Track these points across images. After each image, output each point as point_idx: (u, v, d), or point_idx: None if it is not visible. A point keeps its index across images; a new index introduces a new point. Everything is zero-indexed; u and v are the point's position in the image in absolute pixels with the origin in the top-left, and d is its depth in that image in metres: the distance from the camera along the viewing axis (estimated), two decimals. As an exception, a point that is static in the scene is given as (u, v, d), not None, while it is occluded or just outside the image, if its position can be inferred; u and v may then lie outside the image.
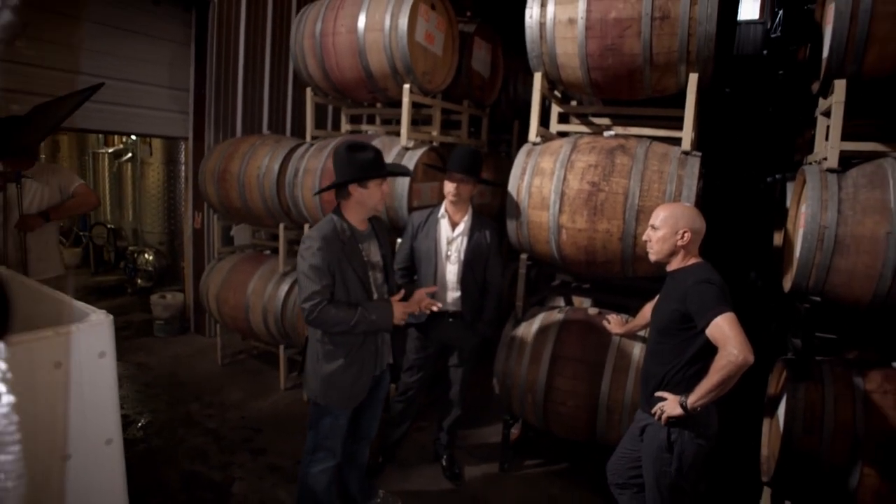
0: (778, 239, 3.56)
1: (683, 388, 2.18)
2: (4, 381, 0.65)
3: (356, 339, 2.53)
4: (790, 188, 3.25)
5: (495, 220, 4.73)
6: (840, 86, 2.70)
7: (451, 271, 3.21)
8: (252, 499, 3.18)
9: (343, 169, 2.51)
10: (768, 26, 7.66)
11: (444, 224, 3.23)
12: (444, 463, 3.50)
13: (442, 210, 3.25)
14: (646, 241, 2.40)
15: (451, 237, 3.21)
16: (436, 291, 2.65)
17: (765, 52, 7.56)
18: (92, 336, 2.42)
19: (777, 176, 4.52)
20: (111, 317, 2.51)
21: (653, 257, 2.37)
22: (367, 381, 2.64)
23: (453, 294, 3.22)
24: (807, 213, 2.67)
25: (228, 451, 3.67)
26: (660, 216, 2.33)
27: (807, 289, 2.73)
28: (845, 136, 2.71)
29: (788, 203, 3.23)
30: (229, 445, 3.74)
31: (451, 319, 3.25)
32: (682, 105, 3.07)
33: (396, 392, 3.49)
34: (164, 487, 3.24)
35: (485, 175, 4.04)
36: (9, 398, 0.64)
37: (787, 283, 2.95)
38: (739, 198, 6.36)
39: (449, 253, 3.21)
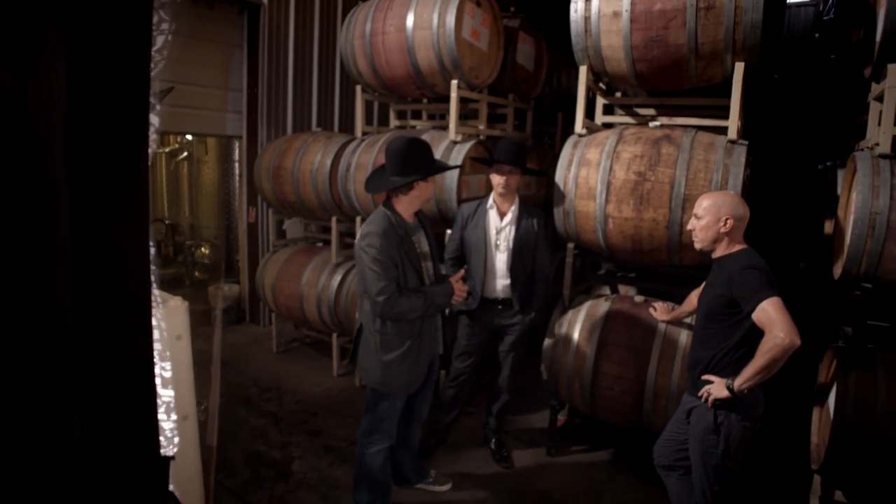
0: (829, 227, 3.53)
1: (730, 371, 2.23)
2: (161, 342, 0.79)
3: (414, 329, 2.64)
4: (841, 175, 3.22)
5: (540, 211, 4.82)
6: (893, 70, 2.67)
7: (501, 260, 3.32)
8: (311, 476, 3.37)
9: (407, 164, 2.55)
10: (820, 8, 7.42)
11: (493, 214, 3.33)
12: (492, 446, 3.62)
13: (490, 201, 3.35)
14: (690, 230, 2.45)
15: (500, 227, 3.31)
16: (465, 277, 2.74)
17: (816, 35, 7.33)
18: (170, 320, 2.63)
19: (828, 163, 4.44)
20: (186, 303, 2.72)
21: (698, 245, 2.42)
22: (424, 369, 2.76)
23: (503, 282, 3.33)
24: (857, 200, 2.66)
25: (287, 432, 3.88)
26: (703, 205, 2.38)
27: (857, 275, 2.72)
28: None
29: (839, 190, 3.20)
30: (287, 427, 3.95)
31: (500, 307, 3.37)
32: (728, 94, 3.08)
33: (447, 378, 3.63)
34: (230, 464, 3.46)
35: (529, 165, 4.15)
36: (169, 349, 0.79)
37: (838, 270, 2.94)
38: (789, 186, 6.23)
39: (498, 242, 3.32)
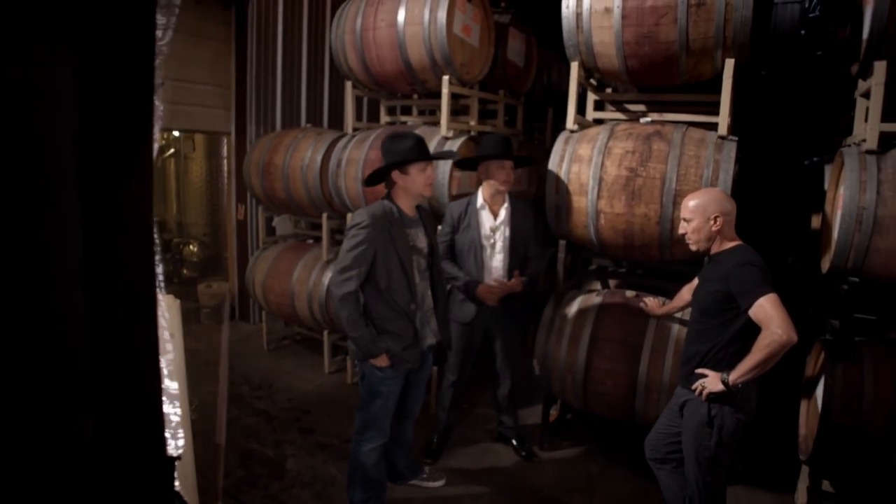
0: (816, 222, 3.57)
1: (724, 365, 2.26)
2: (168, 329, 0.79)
3: (386, 313, 2.66)
4: (828, 171, 3.26)
5: (532, 208, 4.82)
6: (880, 67, 2.71)
7: (498, 259, 3.31)
8: (305, 474, 3.36)
9: (386, 157, 2.65)
10: (806, 5, 7.48)
11: (486, 214, 3.30)
12: (514, 444, 3.61)
13: (480, 200, 3.31)
14: (682, 234, 2.47)
15: (495, 225, 3.29)
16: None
17: (802, 31, 7.40)
18: (162, 319, 2.60)
19: (815, 159, 4.50)
20: (178, 301, 2.70)
21: (693, 247, 2.44)
22: (412, 352, 2.73)
23: (499, 281, 3.32)
24: (845, 195, 2.70)
25: (279, 430, 3.87)
26: (689, 207, 2.40)
27: (845, 269, 2.76)
28: (885, 118, 2.73)
29: (826, 186, 3.24)
30: (280, 425, 3.93)
31: (493, 306, 3.35)
32: (718, 90, 3.10)
33: (444, 380, 3.60)
34: (223, 463, 3.45)
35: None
36: (170, 342, 0.79)
37: (826, 265, 2.98)
38: (777, 181, 6.29)
39: (494, 241, 3.30)
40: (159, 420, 0.76)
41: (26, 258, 0.47)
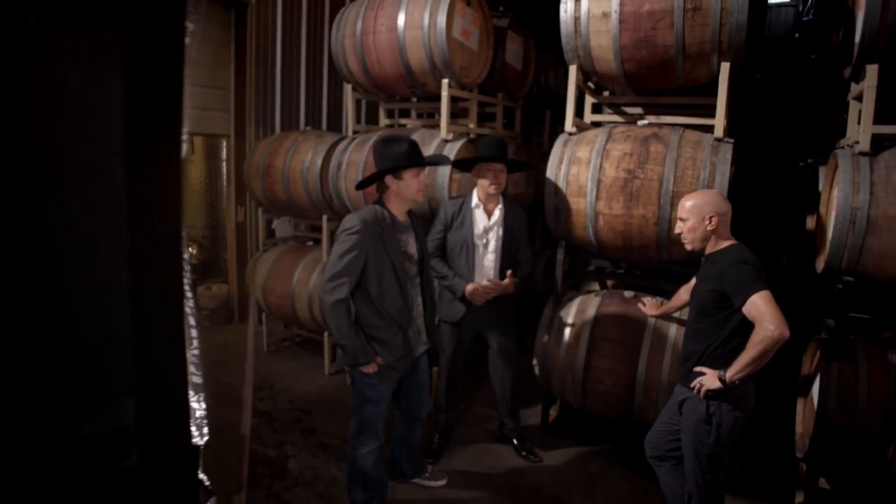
0: (810, 223, 3.62)
1: (721, 363, 2.30)
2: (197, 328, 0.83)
3: (376, 322, 2.64)
4: (822, 172, 3.31)
5: (530, 209, 4.87)
6: (872, 70, 2.76)
7: (490, 259, 3.34)
8: (306, 474, 3.38)
9: (379, 161, 2.63)
10: (800, 9, 7.56)
11: (480, 214, 3.34)
12: (515, 443, 3.61)
13: (475, 200, 3.34)
14: (678, 234, 2.52)
15: (488, 226, 3.33)
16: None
17: (796, 35, 7.47)
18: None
19: (809, 160, 4.56)
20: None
21: (688, 247, 2.48)
22: (401, 362, 2.71)
23: (493, 280, 3.35)
24: (839, 196, 2.74)
25: (281, 431, 3.89)
26: (685, 207, 2.44)
27: (839, 269, 2.81)
28: (877, 120, 2.78)
29: (821, 187, 3.29)
30: (281, 426, 3.95)
31: (484, 306, 3.37)
32: (714, 93, 3.15)
33: (438, 379, 3.64)
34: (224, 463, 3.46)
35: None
36: (196, 342, 0.82)
37: (820, 264, 3.03)
38: (772, 183, 6.35)
39: (486, 241, 3.34)
40: (185, 410, 0.79)
41: (81, 253, 0.50)
